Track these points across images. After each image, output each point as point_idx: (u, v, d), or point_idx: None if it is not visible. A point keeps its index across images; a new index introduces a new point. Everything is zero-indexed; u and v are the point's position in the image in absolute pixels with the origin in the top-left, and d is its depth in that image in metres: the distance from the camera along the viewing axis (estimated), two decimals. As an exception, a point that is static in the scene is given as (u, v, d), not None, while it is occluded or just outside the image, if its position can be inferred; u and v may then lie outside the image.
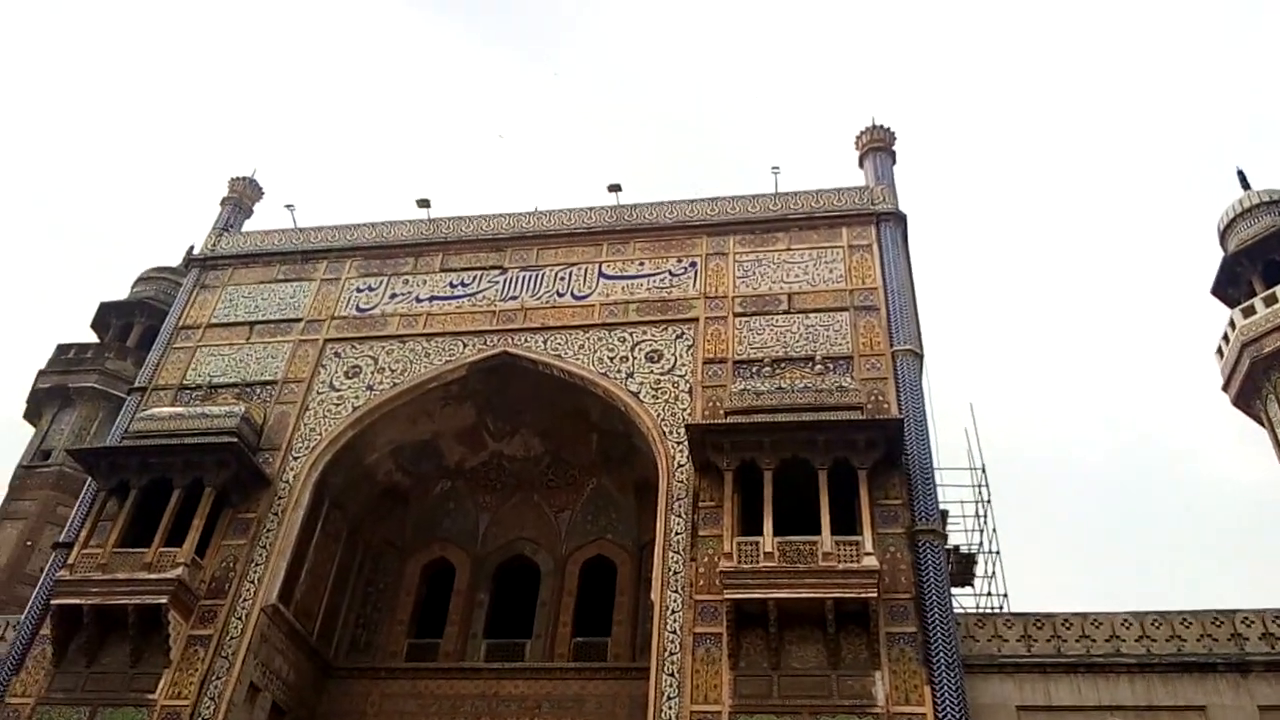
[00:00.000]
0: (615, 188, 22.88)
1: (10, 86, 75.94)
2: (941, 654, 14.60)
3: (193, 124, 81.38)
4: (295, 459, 19.27)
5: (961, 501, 19.30)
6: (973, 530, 19.58)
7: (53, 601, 17.28)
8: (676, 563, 16.37)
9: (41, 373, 30.35)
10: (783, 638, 15.11)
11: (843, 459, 16.34)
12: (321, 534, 19.75)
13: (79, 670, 16.95)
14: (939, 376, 19.65)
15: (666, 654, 15.36)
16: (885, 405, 17.64)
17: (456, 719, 18.87)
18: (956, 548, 19.49)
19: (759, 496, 16.17)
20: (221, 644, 16.90)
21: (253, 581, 17.65)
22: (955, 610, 15.83)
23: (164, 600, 16.67)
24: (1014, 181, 77.13)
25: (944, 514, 17.99)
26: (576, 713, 18.56)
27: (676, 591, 16.03)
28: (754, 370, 18.50)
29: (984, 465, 19.07)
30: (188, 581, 17.06)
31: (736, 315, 19.76)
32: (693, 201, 22.35)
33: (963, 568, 20.08)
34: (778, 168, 22.19)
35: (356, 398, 20.10)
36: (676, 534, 16.75)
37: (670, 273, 21.04)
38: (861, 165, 23.02)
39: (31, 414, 30.59)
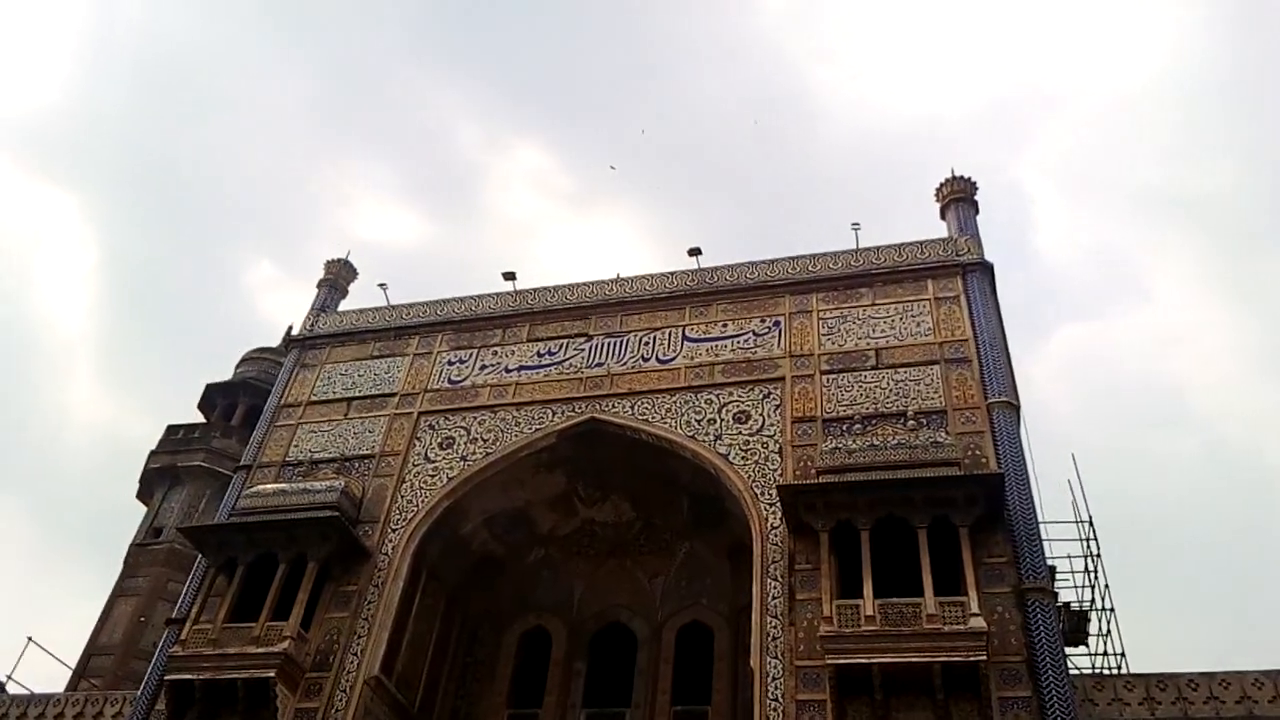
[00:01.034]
0: (695, 251, 23.11)
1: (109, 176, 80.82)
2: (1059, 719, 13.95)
3: (284, 210, 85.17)
4: (394, 531, 19.66)
5: (1069, 556, 18.59)
6: (1083, 586, 18.84)
7: (166, 677, 17.82)
8: (775, 628, 16.09)
9: (152, 453, 31.70)
10: (889, 705, 14.65)
11: (942, 517, 15.94)
12: (420, 605, 19.99)
13: (191, 746, 17.36)
14: (1037, 428, 19.11)
15: (769, 723, 15.03)
16: (983, 460, 17.20)
17: (558, 792, 18.72)
18: (1067, 605, 18.72)
19: (856, 557, 15.84)
20: (327, 716, 17.13)
21: (356, 653, 17.93)
22: (1071, 672, 15.17)
23: (272, 674, 17.04)
24: (1105, 220, 75.26)
25: (1051, 570, 17.35)
26: (680, 784, 18.23)
27: (776, 657, 15.72)
28: (844, 428, 18.27)
29: (1091, 518, 18.40)
30: (294, 655, 17.43)
31: (823, 373, 19.61)
32: (773, 261, 22.40)
33: (1075, 626, 19.23)
34: (858, 224, 22.11)
35: (451, 468, 20.48)
36: (773, 598, 16.49)
37: (754, 333, 21.05)
38: (943, 217, 22.82)
39: (144, 494, 31.88)
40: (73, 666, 25.54)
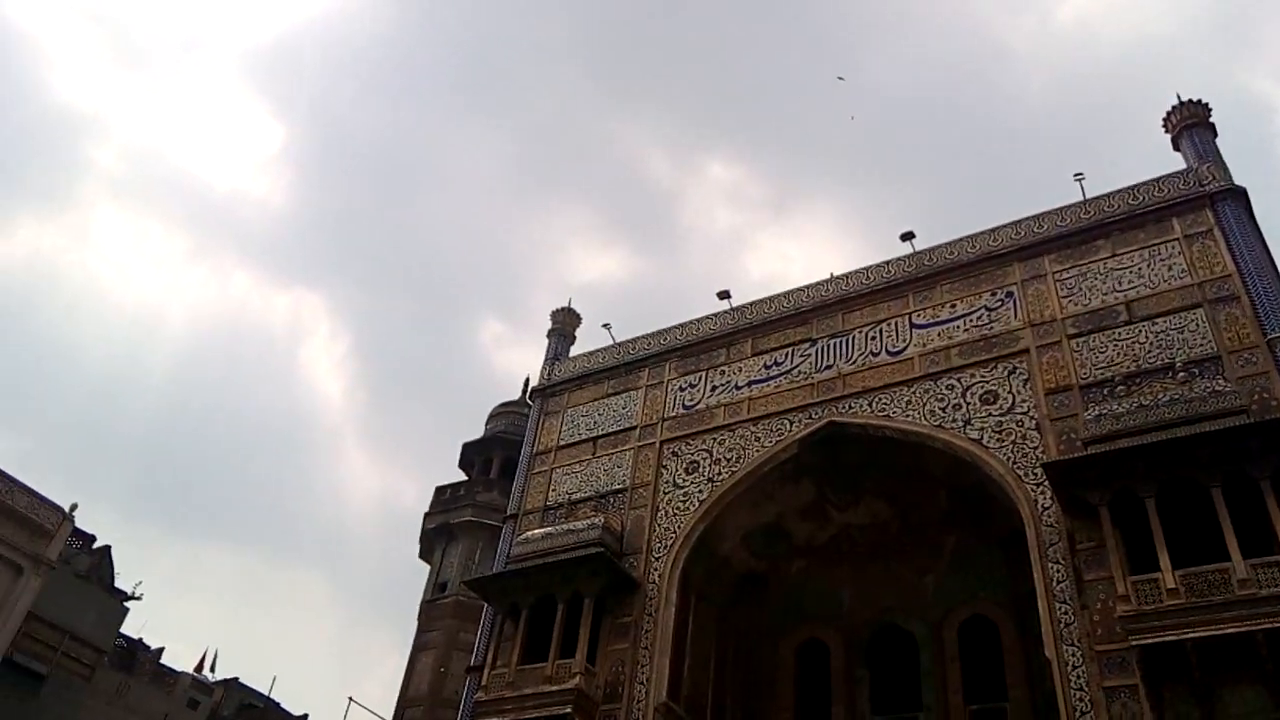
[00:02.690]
0: (908, 235, 22.33)
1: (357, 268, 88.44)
2: None
3: (503, 268, 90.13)
4: (656, 559, 20.23)
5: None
6: None
7: (475, 720, 19.16)
8: (1065, 613, 15.20)
9: (427, 514, 34.36)
10: (1211, 684, 13.46)
11: (1235, 471, 14.54)
12: (694, 627, 20.37)
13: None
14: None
15: (1078, 715, 14.17)
16: (1273, 403, 15.54)
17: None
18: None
19: (1141, 528, 14.75)
20: (625, 746, 17.83)
21: (642, 682, 18.55)
22: None
23: (568, 709, 17.94)
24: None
25: (1379, 513, 15.36)
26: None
27: (1073, 645, 14.84)
28: (1106, 392, 17.06)
29: None
30: (585, 689, 18.28)
31: (1070, 337, 18.42)
32: (995, 230, 21.29)
33: None
34: (1081, 174, 20.66)
35: (700, 491, 20.86)
36: (1058, 582, 15.59)
37: (986, 308, 20.10)
38: (1177, 147, 20.85)
39: (425, 552, 34.56)
40: None
